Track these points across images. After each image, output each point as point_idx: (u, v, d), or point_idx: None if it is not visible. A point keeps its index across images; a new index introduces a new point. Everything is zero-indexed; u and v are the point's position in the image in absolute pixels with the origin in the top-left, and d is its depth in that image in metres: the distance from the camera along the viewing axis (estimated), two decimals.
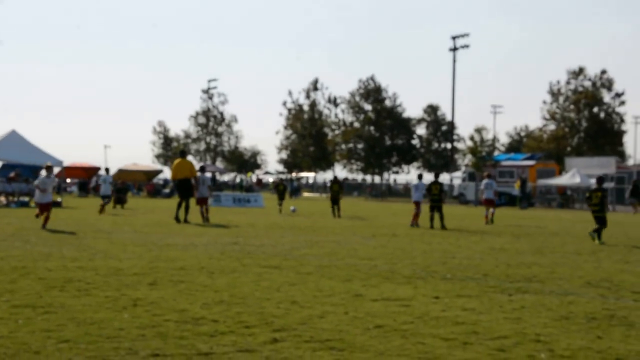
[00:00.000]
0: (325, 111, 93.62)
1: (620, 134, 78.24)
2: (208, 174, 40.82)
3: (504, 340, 6.68)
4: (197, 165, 26.78)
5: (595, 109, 77.10)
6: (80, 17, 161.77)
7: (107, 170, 33.75)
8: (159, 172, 67.21)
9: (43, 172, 20.53)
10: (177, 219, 22.67)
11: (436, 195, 23.60)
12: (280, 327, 7.02)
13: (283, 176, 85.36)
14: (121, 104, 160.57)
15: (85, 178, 59.60)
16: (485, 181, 28.00)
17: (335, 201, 29.44)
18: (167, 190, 58.82)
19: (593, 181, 51.53)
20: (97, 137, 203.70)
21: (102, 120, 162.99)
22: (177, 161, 24.25)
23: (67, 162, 49.52)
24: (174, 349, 6.10)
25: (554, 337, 6.85)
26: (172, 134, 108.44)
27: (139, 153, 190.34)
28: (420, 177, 26.58)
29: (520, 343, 6.60)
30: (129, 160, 65.08)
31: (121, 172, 57.16)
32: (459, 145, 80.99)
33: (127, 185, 43.29)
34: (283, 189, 34.56)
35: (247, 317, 7.46)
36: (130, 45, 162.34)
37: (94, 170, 62.10)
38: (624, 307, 8.61)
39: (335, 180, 31.21)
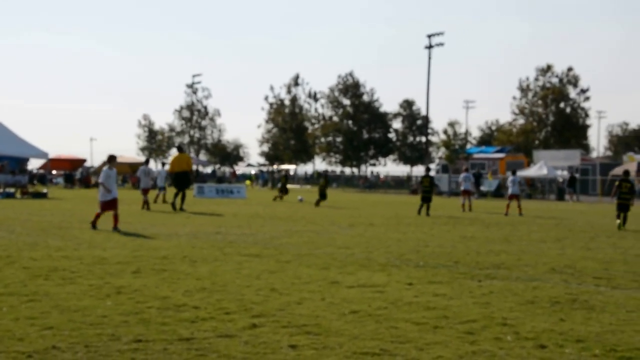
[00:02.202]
0: (306, 106, 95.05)
1: (584, 128, 79.91)
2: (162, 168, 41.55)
3: (473, 324, 7.02)
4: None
5: (562, 104, 78.62)
6: (63, 10, 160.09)
7: (147, 161, 30.19)
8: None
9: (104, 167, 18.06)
10: (173, 206, 24.50)
11: (427, 187, 25.67)
12: (259, 313, 7.29)
13: (264, 168, 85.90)
14: (107, 98, 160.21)
15: (70, 170, 59.66)
16: (510, 178, 29.36)
17: (323, 195, 31.55)
18: (151, 182, 59.01)
19: (559, 172, 52.72)
20: (83, 130, 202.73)
21: (89, 113, 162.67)
22: (175, 155, 25.87)
23: (52, 154, 49.37)
24: (156, 335, 6.32)
25: (519, 321, 7.22)
26: (156, 127, 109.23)
27: (124, 146, 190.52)
28: (514, 172, 29.59)
29: (488, 326, 6.95)
30: (114, 153, 65.03)
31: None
32: (433, 139, 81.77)
33: None
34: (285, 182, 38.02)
35: (227, 304, 7.73)
36: (116, 40, 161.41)
37: (80, 162, 62.09)
38: (585, 291, 9.04)
39: (324, 175, 34.73)
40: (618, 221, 20.75)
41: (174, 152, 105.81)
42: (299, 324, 6.85)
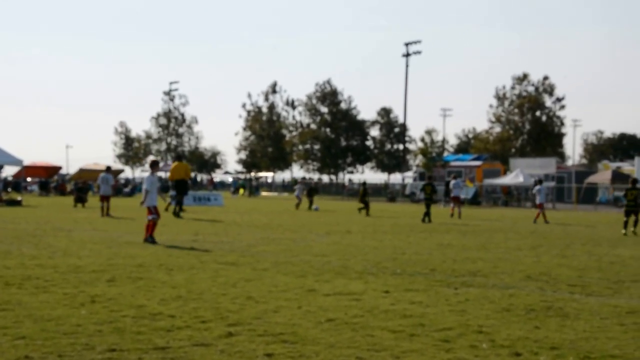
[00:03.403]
0: (284, 113, 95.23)
1: (560, 136, 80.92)
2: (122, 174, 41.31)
3: (449, 332, 7.04)
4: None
5: (538, 113, 79.55)
6: (41, 17, 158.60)
7: (108, 169, 30.24)
8: (120, 171, 66.91)
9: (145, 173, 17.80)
10: (175, 213, 25.78)
11: (428, 194, 27.30)
12: (235, 322, 7.25)
13: (242, 176, 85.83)
14: (84, 105, 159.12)
15: (46, 177, 59.12)
16: (537, 187, 29.72)
17: (365, 203, 32.53)
18: (127, 190, 58.48)
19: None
20: (58, 137, 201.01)
21: (64, 120, 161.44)
22: (174, 164, 27.53)
23: (27, 162, 48.87)
24: (131, 344, 6.25)
25: (495, 328, 7.25)
26: (133, 134, 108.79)
27: (100, 153, 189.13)
28: (540, 182, 30.19)
29: (464, 334, 6.97)
30: (91, 160, 64.73)
31: (82, 172, 56.91)
32: (411, 147, 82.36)
33: (88, 184, 43.17)
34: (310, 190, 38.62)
35: (203, 312, 7.69)
36: (92, 46, 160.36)
37: (55, 170, 61.57)
38: (560, 299, 9.11)
39: (363, 184, 35.03)
40: (624, 231, 21.83)
41: (150, 159, 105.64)
42: (275, 333, 6.83)
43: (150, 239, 15.29)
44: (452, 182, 32.05)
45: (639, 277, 11.36)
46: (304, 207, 37.06)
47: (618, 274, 11.77)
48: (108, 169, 29.20)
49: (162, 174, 77.07)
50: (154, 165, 16.67)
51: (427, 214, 26.64)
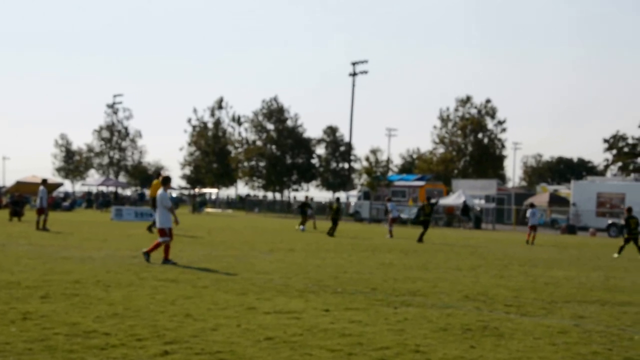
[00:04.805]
0: (229, 129, 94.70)
1: (501, 158, 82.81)
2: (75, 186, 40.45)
3: (386, 351, 7.10)
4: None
5: (480, 135, 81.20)
6: None
7: (44, 182, 29.70)
8: (59, 185, 65.20)
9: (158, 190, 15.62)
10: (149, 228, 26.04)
11: (428, 215, 28.41)
12: (172, 340, 7.16)
13: (194, 191, 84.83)
14: (22, 116, 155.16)
15: None
16: (530, 210, 31.02)
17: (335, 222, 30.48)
18: (67, 204, 57.02)
19: (477, 201, 54.36)
20: None
21: (1, 131, 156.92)
22: (154, 182, 27.77)
23: None
24: None
25: (432, 347, 7.34)
26: (74, 147, 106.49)
27: (39, 165, 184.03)
28: (532, 205, 31.48)
29: (401, 353, 7.04)
30: (28, 173, 62.96)
31: (19, 185, 55.19)
32: (356, 165, 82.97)
33: (25, 197, 42.00)
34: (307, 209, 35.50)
35: (139, 330, 7.56)
36: (33, 56, 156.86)
37: None
38: (496, 318, 9.29)
39: (337, 200, 33.70)
40: (616, 255, 23.04)
41: (91, 173, 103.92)
42: (213, 351, 6.76)
43: (168, 261, 14.65)
44: (529, 210, 31.53)
45: (571, 298, 11.68)
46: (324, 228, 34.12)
47: (552, 294, 12.08)
48: (44, 181, 28.81)
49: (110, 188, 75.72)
50: (167, 182, 15.71)
51: (423, 234, 27.67)
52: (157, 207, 15.23)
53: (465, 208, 49.23)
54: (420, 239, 27.30)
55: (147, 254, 14.86)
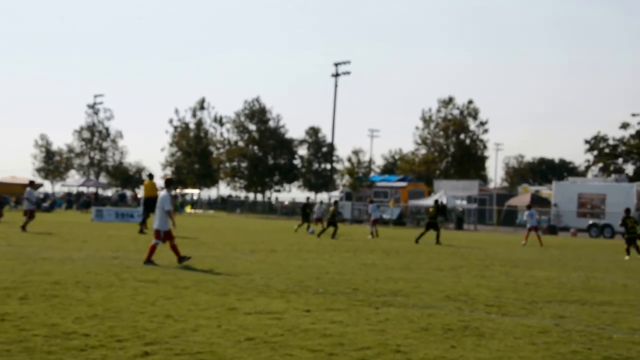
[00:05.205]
0: (211, 130, 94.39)
1: (483, 159, 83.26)
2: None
3: (367, 351, 7.09)
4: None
5: (462, 136, 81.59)
6: None
7: (31, 183, 30.20)
8: (39, 185, 64.59)
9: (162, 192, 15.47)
10: (141, 230, 26.39)
11: (434, 217, 28.23)
12: (152, 341, 7.11)
13: (176, 192, 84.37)
14: (1, 116, 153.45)
15: None
16: (527, 212, 31.63)
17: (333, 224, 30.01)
18: (47, 204, 56.50)
19: (459, 202, 54.63)
20: None
21: None
22: (146, 182, 28.90)
23: None
24: None
25: (413, 347, 7.35)
26: (54, 147, 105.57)
27: (19, 166, 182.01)
28: (529, 207, 32.14)
29: (382, 353, 7.04)
30: (8, 174, 62.31)
31: None
32: (338, 166, 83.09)
33: (4, 198, 41.69)
34: (309, 212, 34.93)
35: (119, 331, 7.50)
36: (13, 56, 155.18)
37: None
38: (477, 318, 9.33)
39: (335, 202, 33.77)
40: (627, 257, 23.25)
41: (72, 173, 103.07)
42: (193, 352, 6.72)
43: (150, 262, 14.48)
44: (526, 212, 32.20)
45: (551, 298, 11.76)
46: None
47: (532, 294, 12.15)
48: (31, 183, 29.03)
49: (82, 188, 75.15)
50: (170, 184, 15.57)
51: (424, 234, 27.63)
52: (157, 208, 15.06)
53: (442, 208, 49.42)
54: (437, 241, 27.41)
55: (148, 262, 14.52)
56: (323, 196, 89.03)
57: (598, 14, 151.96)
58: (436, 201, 30.30)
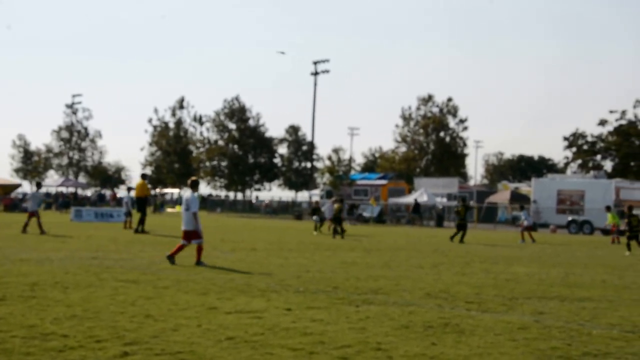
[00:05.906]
0: (191, 129, 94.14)
1: (463, 156, 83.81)
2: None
3: (348, 349, 7.10)
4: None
5: (442, 134, 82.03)
6: None
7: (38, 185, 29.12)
8: (18, 186, 63.94)
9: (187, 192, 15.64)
10: (136, 230, 26.90)
11: (463, 218, 28.58)
12: (131, 341, 7.06)
13: (156, 191, 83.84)
14: None
15: None
16: (522, 212, 32.42)
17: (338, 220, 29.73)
18: (26, 205, 55.91)
19: (439, 199, 54.92)
20: None
21: None
22: (139, 182, 29.46)
23: None
24: None
25: (393, 345, 7.37)
26: (33, 147, 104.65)
27: None
28: (522, 208, 33.21)
29: (362, 351, 7.04)
30: None
31: None
32: (318, 165, 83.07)
33: None
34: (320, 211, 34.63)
35: (99, 332, 7.44)
36: None
37: None
38: (457, 315, 9.37)
39: (340, 200, 32.76)
40: (628, 253, 23.48)
41: (50, 173, 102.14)
42: (173, 351, 6.69)
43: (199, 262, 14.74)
44: (523, 212, 32.58)
45: (531, 294, 11.85)
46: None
47: (512, 291, 12.23)
48: (38, 184, 28.19)
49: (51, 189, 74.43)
50: (195, 185, 15.40)
51: (457, 233, 27.96)
52: (183, 210, 15.18)
53: (416, 206, 50.01)
54: (461, 240, 27.65)
55: (199, 263, 14.76)
56: (304, 195, 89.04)
57: (576, 11, 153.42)
58: (464, 200, 30.44)
